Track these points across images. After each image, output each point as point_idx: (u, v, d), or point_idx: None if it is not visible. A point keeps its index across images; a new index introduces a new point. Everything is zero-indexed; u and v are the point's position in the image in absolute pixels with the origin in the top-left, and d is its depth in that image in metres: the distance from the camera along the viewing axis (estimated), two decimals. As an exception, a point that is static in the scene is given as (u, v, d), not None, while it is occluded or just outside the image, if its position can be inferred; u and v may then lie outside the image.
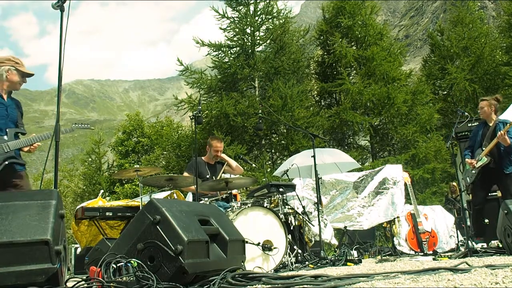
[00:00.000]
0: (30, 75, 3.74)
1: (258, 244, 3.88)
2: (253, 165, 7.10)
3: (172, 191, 6.49)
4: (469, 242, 4.16)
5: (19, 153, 3.63)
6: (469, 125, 6.42)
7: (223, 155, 5.37)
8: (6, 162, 3.42)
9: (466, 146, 5.26)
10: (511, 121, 4.70)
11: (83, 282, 2.12)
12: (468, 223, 5.26)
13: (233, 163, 5.36)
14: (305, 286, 2.01)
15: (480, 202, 5.00)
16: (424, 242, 6.21)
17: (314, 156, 4.99)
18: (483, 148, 4.89)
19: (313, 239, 5.88)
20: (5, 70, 3.62)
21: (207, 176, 5.04)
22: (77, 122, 4.06)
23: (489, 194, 5.75)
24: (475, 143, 5.10)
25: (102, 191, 10.30)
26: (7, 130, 3.55)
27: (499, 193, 5.77)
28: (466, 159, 5.08)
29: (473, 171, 4.95)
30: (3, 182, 3.48)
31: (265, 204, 4.72)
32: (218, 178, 5.02)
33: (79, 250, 6.28)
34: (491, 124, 4.98)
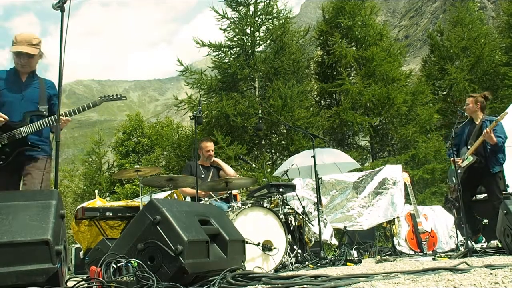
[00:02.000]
0: (20, 54, 3.29)
1: (258, 244, 3.88)
2: (253, 165, 7.10)
3: (172, 191, 6.49)
4: (469, 242, 4.17)
5: (40, 138, 3.36)
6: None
7: (218, 160, 5.31)
8: (19, 149, 3.21)
9: (452, 142, 4.97)
10: (497, 117, 4.61)
11: (83, 282, 2.12)
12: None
13: (228, 169, 5.28)
14: (305, 286, 2.01)
15: (466, 202, 4.86)
16: (424, 242, 6.20)
17: (314, 156, 4.99)
18: (469, 147, 4.80)
19: (313, 239, 5.88)
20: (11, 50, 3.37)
21: (202, 176, 5.03)
22: (105, 95, 3.59)
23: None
24: (461, 142, 5.00)
25: (97, 190, 10.29)
26: (24, 113, 3.28)
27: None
28: (452, 158, 4.84)
29: (459, 171, 4.82)
30: (16, 170, 3.29)
31: (265, 204, 4.72)
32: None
33: (81, 253, 6.27)
34: (477, 122, 4.88)
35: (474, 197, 5.26)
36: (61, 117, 3.21)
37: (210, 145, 5.22)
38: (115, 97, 3.59)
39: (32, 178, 3.26)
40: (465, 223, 4.57)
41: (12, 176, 3.31)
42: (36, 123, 3.27)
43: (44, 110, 3.35)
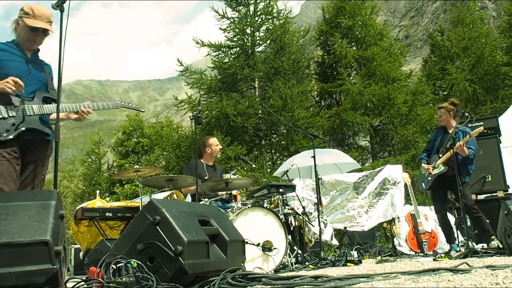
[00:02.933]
0: (38, 30, 2.94)
1: (258, 245, 3.88)
2: (253, 165, 7.09)
3: (172, 192, 6.48)
4: (469, 242, 4.16)
5: (47, 120, 3.06)
6: (469, 125, 6.40)
7: None
8: (23, 128, 2.87)
9: (423, 149, 5.26)
10: (471, 132, 4.69)
11: (83, 283, 2.12)
12: (468, 223, 5.25)
13: None
14: (305, 286, 2.01)
15: (440, 209, 5.04)
16: (424, 243, 6.20)
17: (314, 157, 4.99)
18: (440, 155, 4.88)
19: (313, 240, 5.87)
20: (15, 22, 3.04)
21: (206, 178, 5.04)
22: (124, 101, 3.42)
23: (491, 194, 5.76)
24: (433, 148, 5.10)
25: (98, 191, 10.29)
26: (35, 92, 2.99)
27: (500, 193, 5.77)
28: (423, 164, 5.09)
29: (429, 178, 4.98)
30: (25, 150, 2.96)
31: (265, 205, 4.72)
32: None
33: (81, 254, 6.27)
34: (450, 131, 4.94)
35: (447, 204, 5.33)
36: (87, 109, 3.10)
37: (217, 141, 5.25)
38: (133, 106, 3.50)
39: (38, 167, 3.03)
40: (443, 227, 4.70)
41: (17, 157, 2.96)
42: (53, 105, 3.01)
43: (55, 95, 3.07)
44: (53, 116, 3.02)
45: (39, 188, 3.10)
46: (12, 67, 2.95)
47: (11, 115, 2.87)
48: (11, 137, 2.84)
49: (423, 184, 5.09)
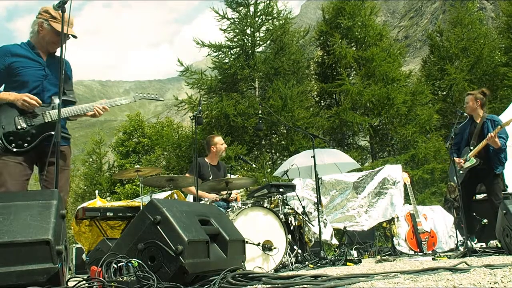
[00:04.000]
0: (67, 35, 2.91)
1: (258, 244, 3.89)
2: (253, 165, 7.10)
3: (172, 191, 6.50)
4: (468, 242, 4.17)
5: (64, 124, 3.09)
6: None
7: None
8: (47, 134, 2.88)
9: (452, 142, 4.94)
10: (503, 123, 4.58)
11: (84, 282, 2.13)
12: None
13: None
14: (305, 286, 2.02)
15: (466, 202, 4.87)
16: (424, 242, 6.21)
17: (314, 157, 4.99)
18: (471, 148, 4.77)
19: (313, 239, 5.89)
20: (39, 24, 3.02)
21: (210, 178, 5.03)
22: (142, 92, 3.41)
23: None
24: (462, 141, 4.96)
25: (97, 191, 10.30)
26: (52, 97, 2.98)
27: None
28: (454, 158, 4.84)
29: (461, 171, 4.81)
30: (40, 159, 2.97)
31: (265, 205, 4.73)
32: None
33: (83, 255, 6.27)
34: (478, 121, 4.82)
35: (473, 197, 5.24)
36: (103, 106, 3.10)
37: (223, 141, 5.25)
38: (151, 97, 3.46)
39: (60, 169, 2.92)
40: (464, 223, 4.57)
41: (31, 164, 2.99)
42: (69, 108, 3.00)
43: (72, 96, 3.11)
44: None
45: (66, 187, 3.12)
46: (28, 74, 2.96)
47: (29, 124, 2.88)
48: (30, 147, 2.88)
49: (455, 178, 4.80)
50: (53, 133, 2.83)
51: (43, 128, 2.91)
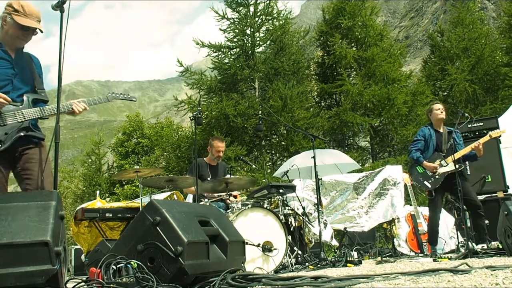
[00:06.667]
0: (29, 29, 2.85)
1: (258, 245, 3.88)
2: (253, 166, 7.10)
3: (172, 192, 6.49)
4: (469, 243, 4.16)
5: (36, 123, 3.01)
6: (469, 126, 6.42)
7: None
8: (21, 134, 2.81)
9: (414, 148, 5.02)
10: (491, 133, 4.80)
11: (83, 283, 2.12)
12: (468, 224, 5.25)
13: None
14: (305, 287, 2.01)
15: (439, 210, 4.97)
16: (424, 243, 6.20)
17: (314, 157, 4.99)
18: (443, 154, 4.87)
19: (313, 240, 5.87)
20: (2, 18, 2.90)
21: (208, 179, 5.03)
22: (116, 92, 3.39)
23: (491, 195, 5.75)
24: (427, 147, 4.99)
25: (99, 191, 10.30)
26: (24, 96, 2.89)
27: (499, 194, 5.78)
28: (425, 163, 4.88)
29: (437, 176, 4.84)
30: (15, 158, 2.89)
31: (265, 205, 4.71)
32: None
33: (83, 256, 6.27)
34: (441, 130, 4.98)
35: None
36: (82, 104, 3.01)
37: (222, 146, 5.22)
38: (124, 97, 3.41)
39: (34, 172, 2.91)
40: (429, 231, 4.75)
41: (7, 166, 2.91)
42: (44, 107, 2.92)
43: (44, 95, 3.00)
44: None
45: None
46: None
47: (1, 124, 2.78)
48: (3, 148, 2.77)
49: (426, 183, 4.86)
50: (22, 134, 2.81)
51: (15, 129, 2.81)
